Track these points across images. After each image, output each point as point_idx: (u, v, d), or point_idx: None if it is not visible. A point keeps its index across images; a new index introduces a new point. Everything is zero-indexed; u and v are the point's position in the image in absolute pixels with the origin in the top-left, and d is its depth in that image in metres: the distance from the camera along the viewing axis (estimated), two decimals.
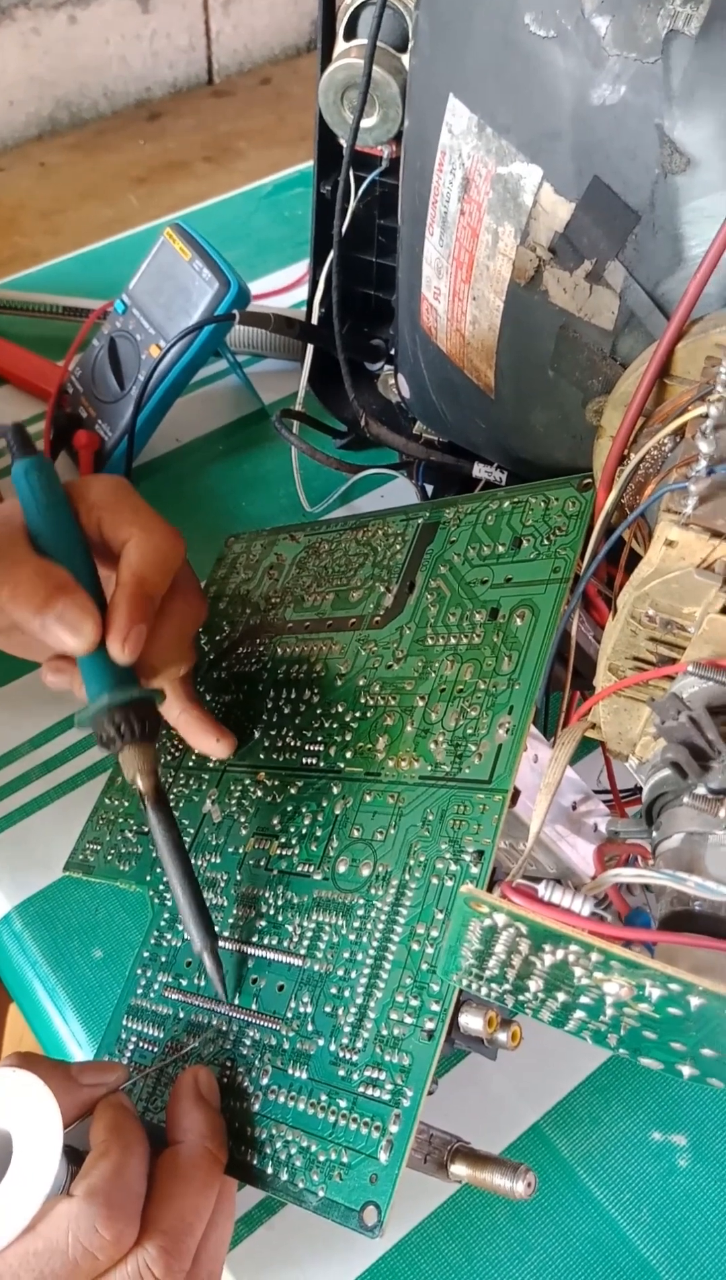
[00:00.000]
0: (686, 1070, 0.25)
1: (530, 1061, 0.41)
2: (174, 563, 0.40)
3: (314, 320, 0.56)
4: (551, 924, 0.23)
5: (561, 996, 0.25)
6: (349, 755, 0.40)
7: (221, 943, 0.39)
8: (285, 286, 0.71)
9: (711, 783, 0.25)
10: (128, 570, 0.38)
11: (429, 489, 0.55)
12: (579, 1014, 0.26)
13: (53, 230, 1.65)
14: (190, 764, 0.45)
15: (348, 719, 0.41)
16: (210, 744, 0.43)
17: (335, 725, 0.41)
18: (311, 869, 0.38)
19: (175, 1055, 0.38)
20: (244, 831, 0.41)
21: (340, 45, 0.48)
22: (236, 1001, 0.37)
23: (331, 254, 0.51)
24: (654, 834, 0.27)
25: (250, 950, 0.38)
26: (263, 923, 0.38)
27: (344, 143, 0.48)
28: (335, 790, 0.39)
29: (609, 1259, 0.37)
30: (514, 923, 0.23)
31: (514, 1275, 0.37)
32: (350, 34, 0.47)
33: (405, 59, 0.46)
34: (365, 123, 0.47)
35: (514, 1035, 0.33)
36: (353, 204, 0.51)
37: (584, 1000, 0.25)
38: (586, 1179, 0.39)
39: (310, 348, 0.57)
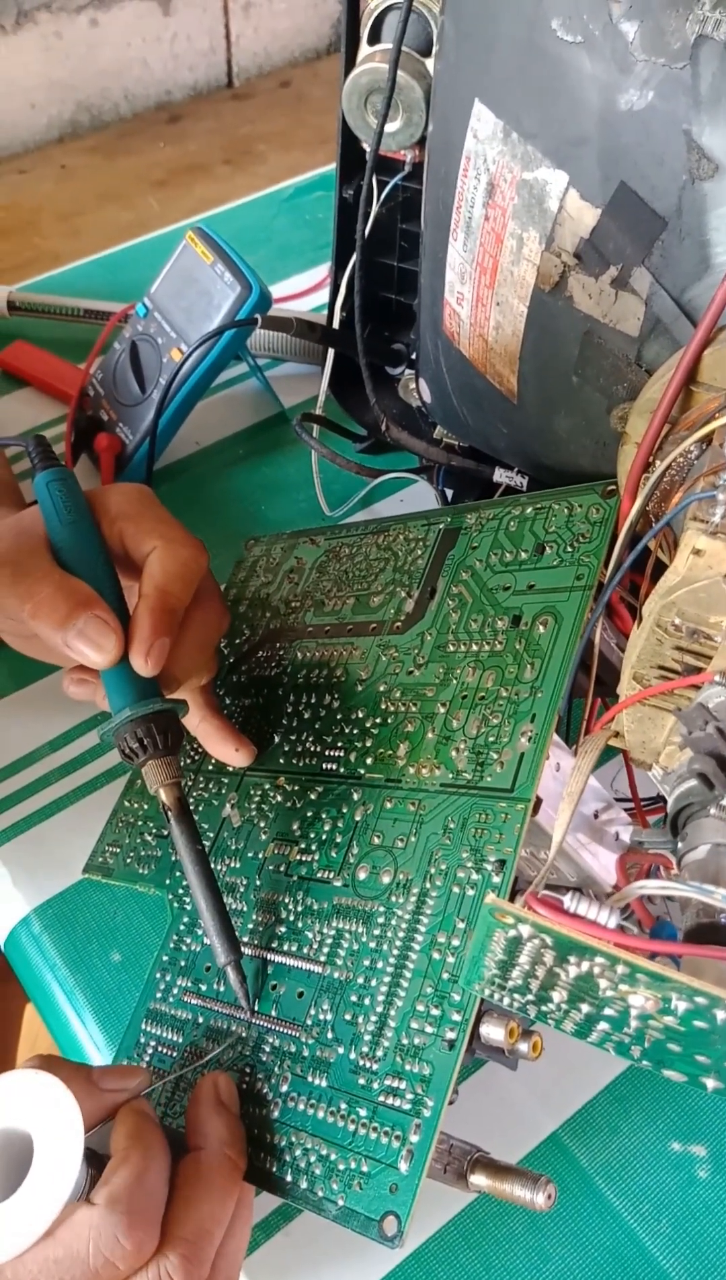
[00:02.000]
0: (711, 1083, 0.25)
1: (549, 1071, 0.40)
2: (196, 574, 0.39)
3: (335, 324, 0.56)
4: (577, 936, 0.22)
5: (585, 1008, 0.25)
6: (369, 761, 0.40)
7: (241, 948, 0.39)
8: (306, 290, 0.71)
9: None
10: (150, 582, 0.38)
11: (449, 494, 0.55)
12: (602, 1026, 0.25)
13: (72, 232, 1.66)
14: (210, 768, 0.45)
15: (368, 725, 0.41)
16: (229, 753, 0.43)
17: (355, 731, 0.41)
18: (331, 875, 0.38)
19: (196, 1064, 0.38)
20: (264, 836, 0.41)
21: (364, 49, 0.48)
22: (256, 1008, 0.37)
23: (353, 258, 0.51)
24: (679, 845, 0.26)
25: (270, 956, 0.38)
26: (282, 929, 0.38)
27: (367, 147, 0.48)
28: (355, 796, 0.39)
29: (628, 1270, 0.37)
30: (539, 934, 0.23)
31: None
32: (374, 38, 0.47)
33: (429, 64, 0.46)
34: (389, 127, 0.47)
35: (535, 1046, 0.32)
36: (375, 208, 0.51)
37: (608, 1012, 0.25)
38: (605, 1189, 0.39)
39: (331, 352, 0.57)
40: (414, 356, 0.55)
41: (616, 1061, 0.41)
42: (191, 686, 0.41)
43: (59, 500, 0.39)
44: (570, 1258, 0.37)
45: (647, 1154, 0.39)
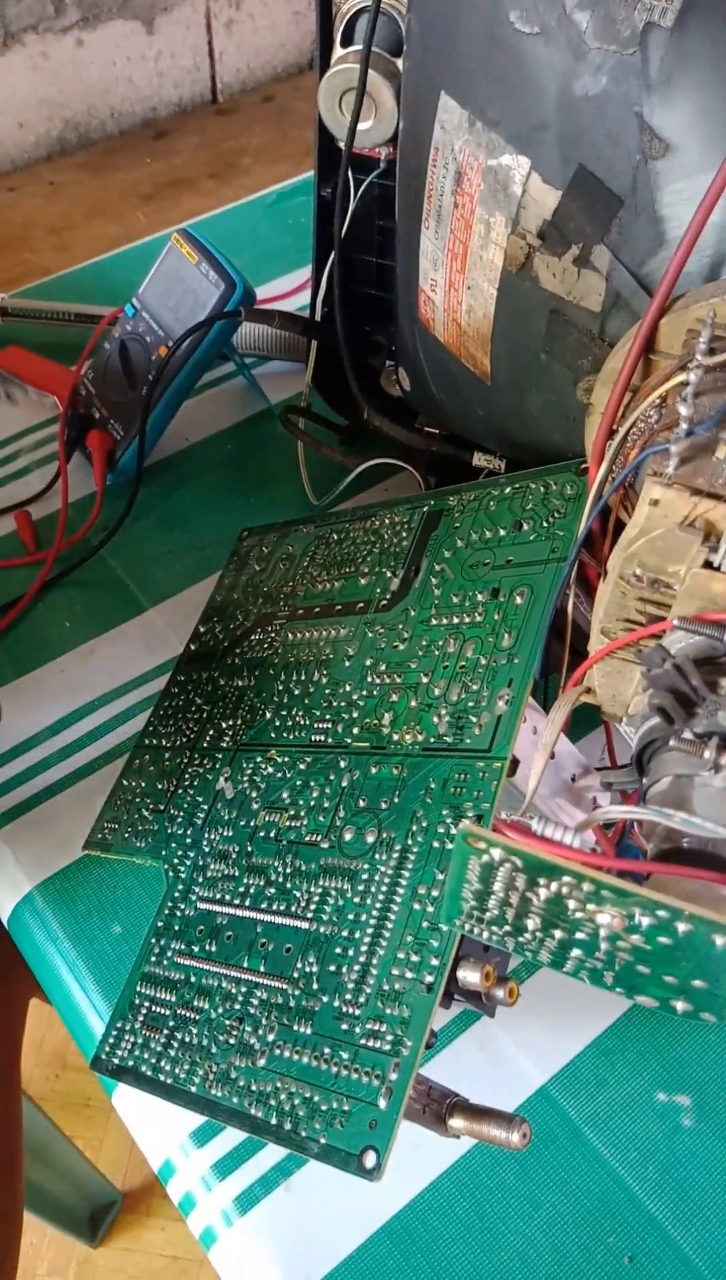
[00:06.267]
0: (680, 1005, 0.27)
1: (537, 1026, 0.42)
2: None
3: (317, 319, 0.57)
4: (545, 855, 0.24)
5: (558, 934, 0.26)
6: (356, 731, 0.41)
7: (234, 909, 0.40)
8: (289, 291, 0.73)
9: (696, 727, 0.26)
10: None
11: (433, 482, 0.57)
12: (575, 952, 0.27)
13: (62, 247, 1.68)
14: (204, 745, 0.47)
15: (355, 697, 0.42)
16: None
17: (343, 704, 0.42)
18: (319, 838, 0.39)
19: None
20: (255, 806, 0.43)
21: (337, 52, 0.49)
22: (245, 964, 0.39)
23: (333, 254, 0.52)
24: (644, 781, 0.28)
25: (259, 916, 0.39)
26: (272, 890, 0.40)
27: (342, 146, 0.50)
28: (342, 764, 0.41)
29: (616, 1215, 0.38)
30: (510, 856, 0.24)
31: (524, 1231, 0.38)
32: (347, 40, 0.49)
33: (400, 63, 0.47)
34: (363, 125, 0.49)
35: (510, 992, 0.34)
36: (352, 204, 0.52)
37: (579, 936, 0.26)
38: (593, 1139, 0.40)
39: (314, 344, 0.58)
40: (393, 349, 0.56)
41: (603, 1016, 0.42)
42: None
43: None
44: (560, 1204, 0.39)
45: (634, 1104, 0.41)
